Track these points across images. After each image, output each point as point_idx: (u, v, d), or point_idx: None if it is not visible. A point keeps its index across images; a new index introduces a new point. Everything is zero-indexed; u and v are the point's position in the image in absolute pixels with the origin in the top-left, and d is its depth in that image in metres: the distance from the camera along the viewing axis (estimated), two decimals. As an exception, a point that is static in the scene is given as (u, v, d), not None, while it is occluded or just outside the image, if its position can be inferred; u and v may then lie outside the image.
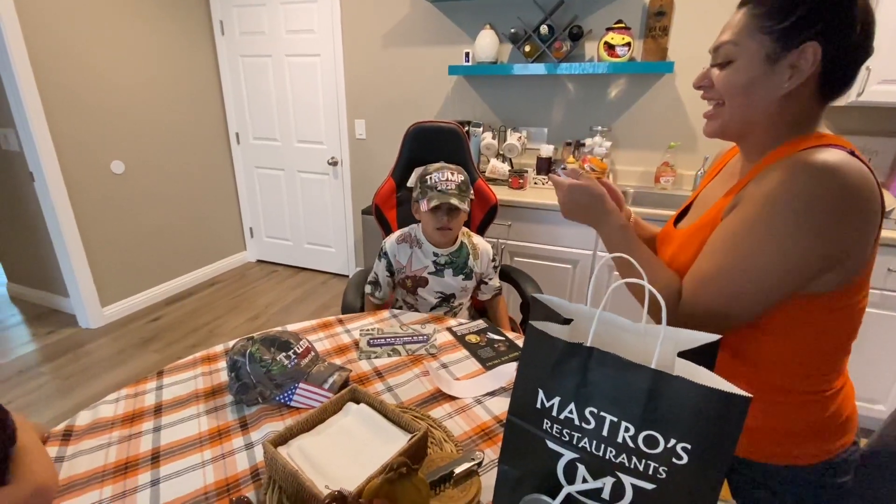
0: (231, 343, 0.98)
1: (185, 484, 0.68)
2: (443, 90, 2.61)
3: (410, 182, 1.34)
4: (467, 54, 2.30)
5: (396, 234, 1.36)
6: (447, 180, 1.23)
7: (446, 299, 1.34)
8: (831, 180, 0.56)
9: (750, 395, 0.44)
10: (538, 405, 0.55)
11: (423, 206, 1.22)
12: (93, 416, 0.81)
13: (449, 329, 1.13)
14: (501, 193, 2.04)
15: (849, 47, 0.60)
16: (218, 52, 3.07)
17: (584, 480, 0.54)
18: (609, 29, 2.04)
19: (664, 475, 0.49)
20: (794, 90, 0.63)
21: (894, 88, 1.67)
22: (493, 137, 2.31)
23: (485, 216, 1.68)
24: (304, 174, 3.19)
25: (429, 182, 1.23)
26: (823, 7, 0.59)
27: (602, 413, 0.51)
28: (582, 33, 2.11)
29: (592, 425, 0.52)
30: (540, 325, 0.55)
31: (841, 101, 1.80)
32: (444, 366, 0.98)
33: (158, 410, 0.84)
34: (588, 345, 0.52)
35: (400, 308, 1.41)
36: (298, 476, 0.60)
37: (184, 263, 3.09)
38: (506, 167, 2.26)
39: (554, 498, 0.55)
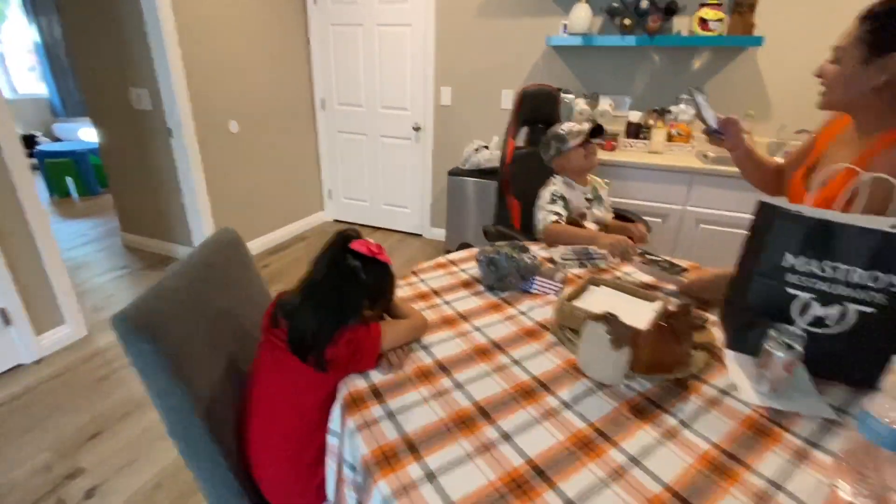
0: (474, 250, 1.28)
1: (499, 329, 0.97)
2: (530, 60, 2.83)
3: (545, 154, 1.60)
4: (565, 26, 2.51)
5: (556, 184, 1.61)
6: (573, 125, 1.57)
7: (602, 229, 1.63)
8: None
9: (954, 241, 0.72)
10: (784, 264, 0.83)
11: (571, 145, 1.53)
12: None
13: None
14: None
15: None
16: (309, 20, 3.27)
17: (814, 311, 0.82)
18: (703, 4, 2.25)
19: (884, 301, 0.77)
20: (885, 85, 0.89)
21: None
22: (586, 104, 2.54)
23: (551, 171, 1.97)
24: (386, 139, 3.43)
25: (562, 133, 1.56)
26: None
27: (838, 264, 0.79)
28: (677, 9, 2.31)
29: (830, 273, 0.80)
30: (786, 209, 0.83)
31: None
32: (627, 274, 1.27)
33: (437, 293, 1.13)
34: (831, 219, 0.79)
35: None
36: (587, 311, 0.89)
37: (276, 220, 3.38)
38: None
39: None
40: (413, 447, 0.66)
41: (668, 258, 1.38)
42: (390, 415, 0.72)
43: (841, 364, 0.83)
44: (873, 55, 0.89)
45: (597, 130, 1.54)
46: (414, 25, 3.03)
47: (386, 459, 0.64)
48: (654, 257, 1.39)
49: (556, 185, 1.61)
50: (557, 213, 1.55)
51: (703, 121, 1.23)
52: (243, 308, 0.96)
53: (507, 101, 2.96)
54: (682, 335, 0.80)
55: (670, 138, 2.46)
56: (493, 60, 2.92)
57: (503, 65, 2.91)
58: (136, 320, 0.67)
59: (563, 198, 1.59)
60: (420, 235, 3.64)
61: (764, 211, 0.89)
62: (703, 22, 2.26)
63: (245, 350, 0.91)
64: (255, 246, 3.18)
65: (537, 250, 1.42)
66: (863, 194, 0.87)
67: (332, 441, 0.78)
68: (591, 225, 1.62)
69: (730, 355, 0.91)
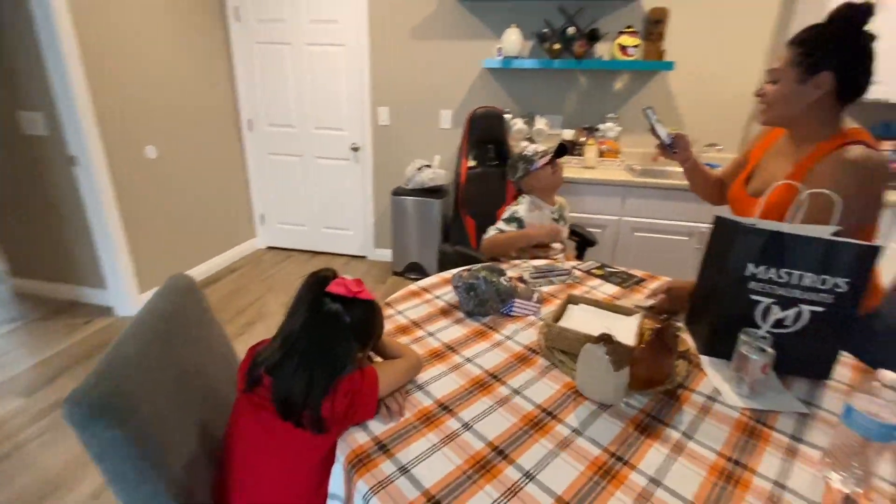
0: (444, 275, 1.25)
1: (491, 357, 0.95)
2: (467, 81, 2.90)
3: (513, 176, 1.64)
4: (499, 49, 2.61)
5: (522, 205, 1.64)
6: (537, 146, 1.64)
7: (563, 251, 1.68)
8: (862, 169, 0.97)
9: (880, 244, 0.83)
10: (747, 273, 0.91)
11: (539, 164, 1.56)
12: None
13: (575, 268, 1.47)
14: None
15: (854, 73, 1.02)
16: (231, 38, 3.08)
17: (775, 315, 0.91)
18: (622, 32, 2.47)
19: (830, 300, 0.87)
20: (819, 100, 1.03)
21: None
22: (524, 123, 2.65)
23: (518, 191, 2.05)
24: (322, 160, 3.31)
25: (529, 154, 1.61)
26: (836, 52, 1.00)
27: (793, 271, 0.88)
28: (599, 36, 2.51)
29: (786, 279, 0.89)
30: (744, 224, 0.91)
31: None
32: (594, 288, 1.32)
33: (417, 324, 1.09)
34: (784, 231, 0.88)
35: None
36: (576, 332, 0.91)
37: (204, 251, 3.10)
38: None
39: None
40: (436, 503, 0.62)
41: (624, 269, 1.46)
42: (403, 469, 0.67)
43: (800, 360, 0.92)
44: (807, 75, 1.02)
45: (562, 150, 1.60)
46: (347, 46, 2.98)
47: (411, 523, 0.59)
48: (612, 269, 1.46)
49: (521, 204, 1.64)
50: (501, 231, 1.60)
51: (657, 136, 1.33)
52: (209, 364, 0.85)
53: (447, 120, 3.00)
54: (672, 348, 0.84)
55: (601, 154, 2.64)
56: (430, 81, 2.95)
57: (440, 85, 2.95)
58: (94, 402, 0.56)
59: (517, 220, 1.63)
60: (364, 257, 3.53)
61: (723, 226, 0.98)
62: (623, 48, 2.47)
63: (217, 412, 0.80)
64: (181, 282, 2.88)
65: (508, 271, 1.43)
66: (804, 206, 0.98)
67: (334, 504, 0.71)
68: (556, 246, 1.67)
69: (706, 361, 0.97)
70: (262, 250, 3.64)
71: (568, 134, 2.66)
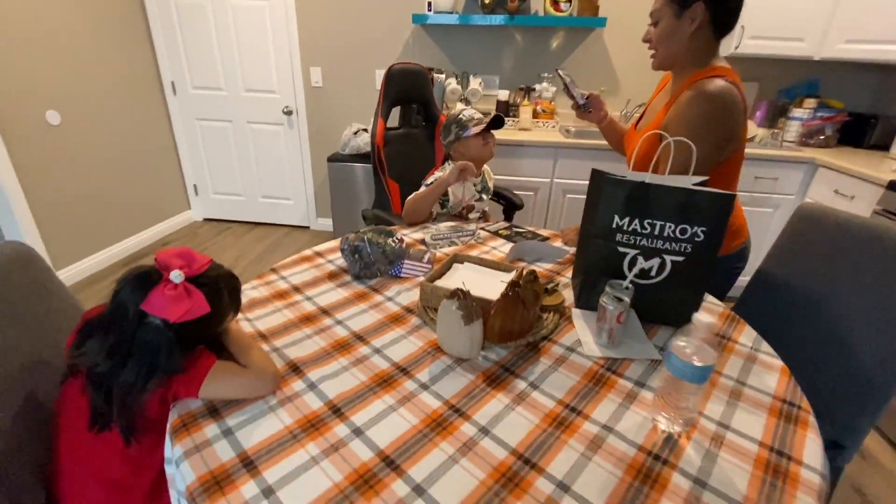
0: (338, 240, 1.20)
1: (363, 319, 0.93)
2: (400, 39, 2.77)
3: (444, 138, 1.56)
4: (429, 4, 2.49)
5: (446, 171, 1.57)
6: (473, 112, 1.52)
7: (480, 217, 1.65)
8: (713, 101, 1.01)
9: (734, 193, 0.84)
10: (614, 225, 0.91)
11: (471, 132, 1.48)
12: (245, 299, 1.00)
13: (482, 228, 1.45)
14: (473, 132, 2.34)
15: (724, 2, 1.04)
16: (143, -9, 2.82)
17: (640, 265, 0.91)
18: (554, -14, 2.38)
19: (690, 249, 0.88)
20: (695, 33, 1.06)
21: (759, 42, 2.27)
22: (457, 83, 2.56)
23: (447, 156, 2.00)
24: (255, 125, 3.14)
25: (463, 119, 1.50)
26: None
27: (655, 221, 0.88)
28: (532, -11, 2.42)
29: (649, 230, 0.89)
30: (612, 175, 0.90)
31: (724, 53, 2.37)
32: (494, 248, 1.31)
33: (298, 289, 1.05)
34: (647, 181, 0.87)
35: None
36: (444, 288, 0.90)
37: (130, 225, 2.93)
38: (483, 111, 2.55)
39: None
40: (250, 463, 0.60)
41: (531, 229, 1.46)
42: (227, 432, 0.65)
43: (664, 309, 0.94)
44: (682, 8, 1.04)
45: (497, 121, 1.51)
46: (271, 1, 2.77)
47: (217, 484, 0.57)
48: (519, 230, 1.45)
49: (446, 170, 1.58)
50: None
51: (572, 97, 1.32)
52: (40, 340, 0.79)
53: (382, 81, 2.87)
54: (527, 301, 0.83)
55: (536, 115, 2.60)
56: (361, 39, 2.81)
57: (373, 44, 2.81)
58: None
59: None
60: (307, 227, 3.44)
61: (596, 178, 0.96)
62: (555, 3, 2.40)
63: (48, 386, 0.75)
64: (106, 257, 2.73)
65: (409, 232, 1.40)
66: (670, 154, 0.97)
67: (169, 471, 0.68)
68: (474, 215, 1.63)
69: (577, 314, 0.98)
70: (198, 223, 3.48)
71: (503, 95, 2.60)
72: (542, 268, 1.21)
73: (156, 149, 3.09)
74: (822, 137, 2.33)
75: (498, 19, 2.44)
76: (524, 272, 0.89)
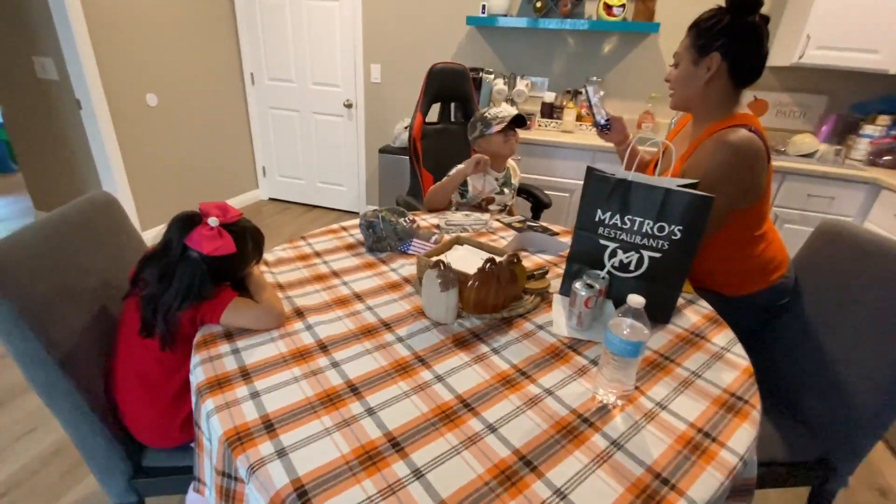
0: (359, 216, 1.36)
1: (366, 283, 1.07)
2: (455, 39, 2.90)
3: (470, 134, 1.67)
4: (483, 7, 2.59)
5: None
6: (500, 110, 1.62)
7: (503, 210, 1.75)
8: (735, 153, 1.03)
9: (713, 195, 0.87)
10: (596, 219, 0.98)
11: (493, 129, 1.58)
12: (274, 257, 1.18)
13: (498, 220, 1.54)
14: (513, 132, 2.42)
15: (743, 54, 1.05)
16: (234, -9, 3.18)
17: (618, 257, 0.97)
18: (608, -9, 2.39)
19: (667, 247, 0.92)
20: (712, 81, 1.08)
21: (827, 53, 2.14)
22: (504, 83, 2.65)
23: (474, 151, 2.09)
24: (319, 115, 3.42)
25: (488, 116, 1.60)
26: (724, 34, 1.04)
27: (635, 217, 0.94)
28: (585, -7, 2.45)
29: (629, 225, 0.95)
30: (599, 172, 0.96)
31: (784, 62, 2.26)
32: (502, 238, 1.40)
33: (318, 254, 1.21)
34: (630, 179, 0.93)
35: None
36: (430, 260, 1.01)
37: (208, 196, 3.32)
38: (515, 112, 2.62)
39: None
40: (246, 374, 0.75)
41: (543, 224, 1.53)
42: (235, 351, 0.81)
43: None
44: (699, 56, 1.08)
45: (519, 120, 1.61)
46: (342, 1, 3.02)
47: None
48: (532, 224, 1.53)
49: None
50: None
51: (592, 114, 1.38)
52: (113, 268, 1.00)
53: (435, 79, 3.03)
54: (502, 278, 0.92)
55: (579, 118, 2.62)
56: (419, 39, 2.97)
57: (429, 43, 2.96)
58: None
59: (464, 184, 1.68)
60: (357, 213, 3.68)
61: (587, 173, 1.03)
62: (608, 7, 2.41)
63: (114, 303, 0.96)
64: (182, 223, 3.13)
65: (429, 218, 1.52)
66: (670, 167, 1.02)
67: (192, 379, 0.86)
68: (495, 208, 1.73)
69: (557, 298, 1.05)
70: (264, 201, 3.85)
71: (549, 97, 2.65)
72: (542, 258, 1.28)
73: (234, 132, 3.47)
74: (891, 158, 2.15)
75: (551, 23, 2.49)
76: (510, 254, 0.98)
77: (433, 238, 1.27)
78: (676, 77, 1.14)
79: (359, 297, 1.01)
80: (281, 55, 3.31)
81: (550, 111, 2.63)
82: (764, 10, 1.04)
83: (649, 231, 0.93)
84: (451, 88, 2.01)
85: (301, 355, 0.81)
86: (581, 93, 2.65)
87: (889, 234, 1.89)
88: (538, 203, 2.02)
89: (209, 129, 3.23)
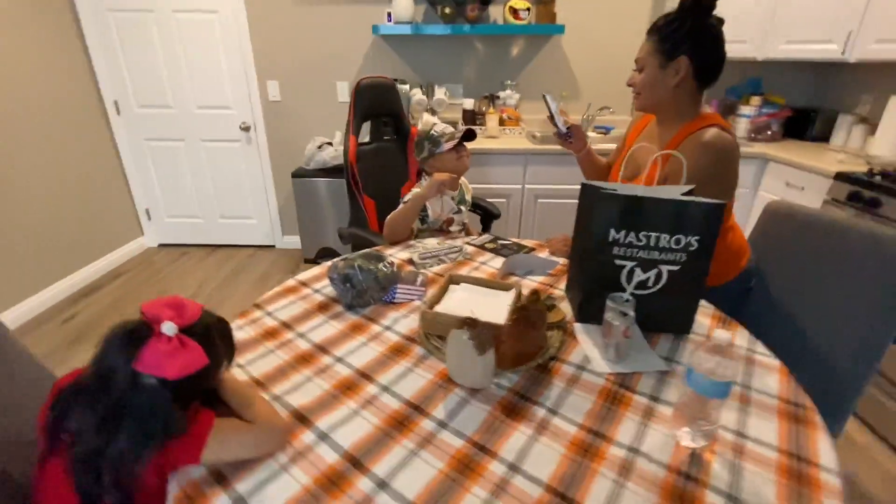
0: (327, 265, 1.15)
1: (364, 354, 0.89)
2: (360, 51, 2.72)
3: (418, 155, 1.53)
4: (389, 14, 2.45)
5: (422, 188, 1.54)
6: (445, 127, 1.51)
7: (461, 230, 1.63)
8: (717, 151, 1.05)
9: (725, 202, 0.86)
10: (610, 239, 0.92)
11: (444, 147, 1.46)
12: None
13: (468, 243, 1.43)
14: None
15: (708, 56, 1.08)
16: (76, 6, 2.61)
17: (638, 277, 0.92)
18: (512, -5, 2.41)
19: (684, 258, 0.90)
20: (680, 83, 1.09)
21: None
22: (423, 94, 2.54)
23: (420, 171, 1.98)
24: (210, 143, 2.98)
25: (435, 135, 1.49)
26: (688, 37, 1.06)
27: (650, 233, 0.90)
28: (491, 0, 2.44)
29: (644, 242, 0.90)
30: (605, 189, 0.90)
31: (760, 56, 2.46)
32: (483, 264, 1.29)
33: (288, 325, 0.99)
34: (639, 194, 0.89)
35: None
36: (449, 315, 0.87)
37: (78, 257, 2.70)
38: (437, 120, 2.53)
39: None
40: (272, 537, 0.55)
41: (516, 240, 1.46)
42: (238, 501, 0.59)
43: (663, 318, 0.96)
44: (666, 60, 1.06)
45: (469, 134, 1.51)
46: (220, 12, 2.65)
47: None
48: (504, 242, 1.45)
49: (421, 186, 1.54)
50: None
51: (555, 124, 1.32)
52: (5, 413, 0.70)
53: (344, 93, 2.81)
54: (536, 321, 0.82)
55: (502, 122, 2.62)
56: (320, 51, 2.73)
57: (333, 56, 2.74)
58: None
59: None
60: (272, 246, 3.30)
61: (587, 193, 0.97)
62: (514, 11, 2.43)
63: (21, 463, 0.66)
64: (53, 294, 2.50)
65: (395, 252, 1.36)
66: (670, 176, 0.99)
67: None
68: (455, 228, 1.61)
69: (579, 328, 0.97)
70: (152, 249, 3.26)
71: (469, 103, 2.60)
72: (533, 281, 1.20)
73: (101, 173, 2.86)
74: (769, 132, 2.49)
75: (455, 28, 2.44)
76: (528, 292, 0.88)
77: (418, 279, 1.12)
78: (643, 82, 1.13)
79: (365, 376, 0.83)
80: (151, 77, 2.81)
81: (473, 118, 2.59)
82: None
83: (666, 245, 0.89)
84: (381, 104, 1.85)
85: (333, 482, 0.62)
86: (498, 98, 2.65)
87: (785, 199, 2.17)
88: (487, 214, 1.95)
89: (67, 175, 2.61)
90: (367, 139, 1.94)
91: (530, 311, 0.83)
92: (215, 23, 2.68)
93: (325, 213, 2.85)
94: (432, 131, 1.51)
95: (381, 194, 1.91)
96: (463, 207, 1.65)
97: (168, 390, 0.60)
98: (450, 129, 1.52)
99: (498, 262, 1.30)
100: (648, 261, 0.91)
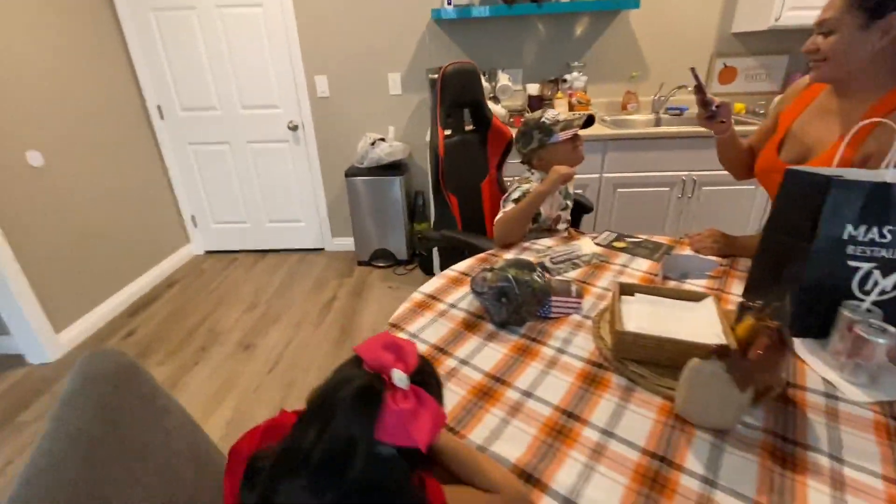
0: (453, 273, 1.01)
1: (554, 386, 0.74)
2: (414, 38, 2.56)
3: (525, 146, 1.38)
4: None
5: (534, 183, 1.38)
6: (556, 114, 1.35)
7: (566, 228, 1.48)
8: None
9: None
10: (845, 237, 0.75)
11: (561, 137, 1.31)
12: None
13: (596, 242, 1.28)
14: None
15: None
16: (117, 7, 2.49)
17: (875, 283, 0.76)
18: (580, -32, 2.22)
19: (942, 257, 0.73)
20: (884, 48, 0.89)
21: (799, 13, 2.17)
22: (486, 81, 2.38)
23: (503, 152, 1.83)
24: (256, 144, 2.86)
25: (547, 123, 1.33)
26: None
27: (894, 227, 0.73)
28: (557, -27, 2.25)
29: (889, 238, 0.74)
30: (840, 177, 0.74)
31: (761, 27, 2.28)
32: (625, 266, 1.14)
33: (442, 350, 0.85)
34: (888, 180, 0.72)
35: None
36: (655, 337, 0.73)
37: (129, 268, 2.61)
38: (503, 110, 2.37)
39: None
40: None
41: (646, 237, 1.30)
42: None
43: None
44: (873, 18, 0.87)
45: (590, 120, 1.33)
46: (265, 5, 2.51)
47: None
48: (633, 240, 1.29)
49: (532, 182, 1.38)
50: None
51: (704, 102, 1.11)
52: (165, 475, 0.57)
53: (396, 86, 2.66)
54: (789, 344, 0.67)
55: (571, 108, 2.44)
56: (371, 42, 2.58)
57: (384, 46, 2.58)
58: None
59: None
60: (322, 249, 3.19)
61: (802, 182, 0.81)
62: (584, -14, 2.24)
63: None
64: (108, 310, 2.41)
65: (507, 257, 1.21)
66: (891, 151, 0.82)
67: None
68: (562, 226, 1.46)
69: (797, 345, 0.82)
70: (200, 257, 3.17)
71: (534, 88, 2.43)
72: (693, 284, 1.05)
73: (147, 181, 2.77)
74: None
75: (527, 9, 2.26)
76: (739, 304, 0.73)
77: (573, 289, 0.97)
78: (835, 47, 0.95)
79: (570, 414, 0.69)
80: (194, 79, 2.69)
81: (539, 104, 2.42)
82: None
83: (915, 242, 0.73)
84: (466, 92, 1.70)
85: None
86: (565, 80, 2.47)
87: None
88: (579, 208, 1.79)
89: (114, 184, 2.51)
90: (448, 131, 1.79)
91: (773, 332, 0.67)
92: (260, 18, 2.54)
93: (378, 213, 2.72)
94: (543, 118, 1.35)
95: (461, 191, 1.76)
96: (569, 203, 1.49)
97: (405, 460, 0.46)
98: (561, 116, 1.36)
99: (640, 264, 1.15)
100: (891, 261, 0.75)
